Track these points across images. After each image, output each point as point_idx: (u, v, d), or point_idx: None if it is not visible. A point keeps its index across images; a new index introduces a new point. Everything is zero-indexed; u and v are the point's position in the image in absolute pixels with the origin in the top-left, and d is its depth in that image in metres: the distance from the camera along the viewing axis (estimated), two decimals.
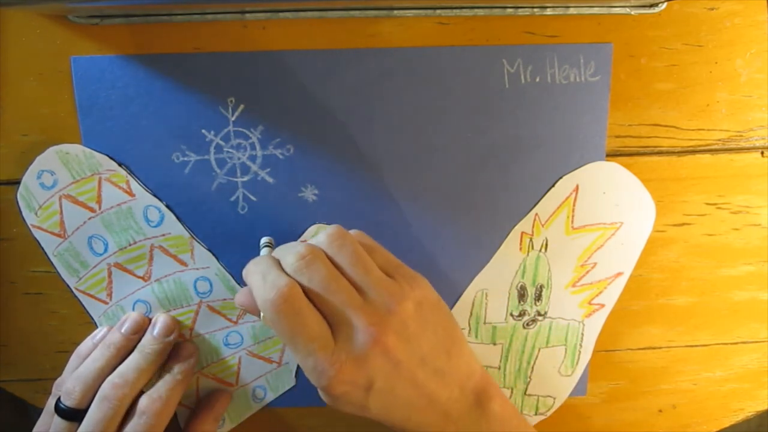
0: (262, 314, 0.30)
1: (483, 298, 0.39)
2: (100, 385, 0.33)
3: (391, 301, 0.29)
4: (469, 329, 0.40)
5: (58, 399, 0.33)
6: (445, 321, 0.32)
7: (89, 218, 0.37)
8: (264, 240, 0.37)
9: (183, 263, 0.38)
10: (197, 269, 0.38)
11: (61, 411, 0.33)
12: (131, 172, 0.36)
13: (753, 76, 0.37)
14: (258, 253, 0.37)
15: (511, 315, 0.40)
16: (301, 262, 0.30)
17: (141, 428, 0.33)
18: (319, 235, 0.31)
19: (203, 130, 0.36)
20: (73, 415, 0.33)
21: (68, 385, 0.33)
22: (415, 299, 0.31)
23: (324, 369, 0.28)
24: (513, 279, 0.39)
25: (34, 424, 0.35)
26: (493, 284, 0.39)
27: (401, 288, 0.30)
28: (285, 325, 0.29)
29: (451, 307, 0.39)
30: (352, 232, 0.32)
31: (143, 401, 0.33)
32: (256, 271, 0.30)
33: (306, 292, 0.29)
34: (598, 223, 0.39)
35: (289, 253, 0.30)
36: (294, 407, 0.41)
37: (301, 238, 0.38)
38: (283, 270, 0.30)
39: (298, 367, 0.40)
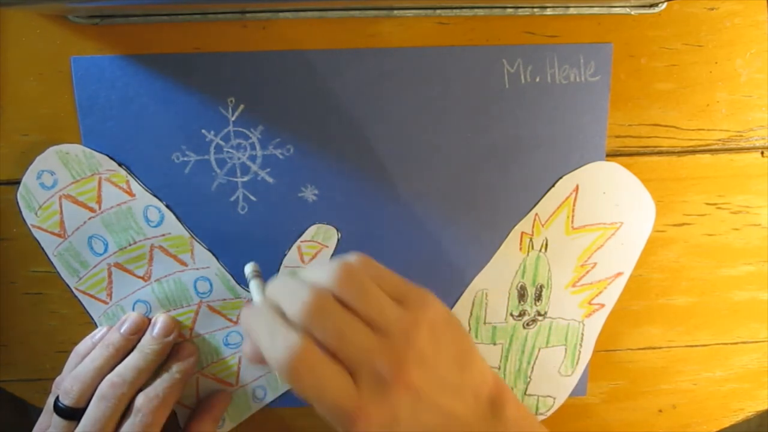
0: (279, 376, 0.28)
1: (483, 298, 0.39)
2: (98, 385, 0.33)
3: (407, 333, 0.29)
4: (469, 329, 0.40)
5: (57, 398, 0.33)
6: (457, 335, 0.31)
7: (89, 218, 0.37)
8: (249, 270, 0.35)
9: (183, 263, 0.38)
10: (197, 269, 0.38)
11: (59, 410, 0.33)
12: (131, 172, 0.36)
13: (753, 76, 0.37)
14: (259, 253, 0.37)
15: (511, 315, 0.40)
16: (308, 313, 0.27)
17: (138, 426, 0.33)
18: (323, 271, 0.29)
19: (203, 130, 0.36)
20: (72, 413, 0.33)
21: (66, 384, 0.33)
22: (428, 323, 0.30)
23: (351, 417, 0.27)
24: (513, 279, 0.39)
25: (34, 424, 0.35)
26: (493, 284, 0.39)
27: (414, 316, 0.29)
28: (305, 386, 0.27)
29: (451, 307, 0.39)
30: (354, 257, 0.30)
31: (140, 399, 0.33)
32: (259, 327, 0.28)
33: (319, 342, 0.27)
34: (598, 223, 0.39)
35: (293, 302, 0.28)
36: (294, 407, 0.41)
37: (301, 239, 0.38)
38: (288, 322, 0.28)
39: None
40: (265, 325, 0.28)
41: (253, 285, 0.34)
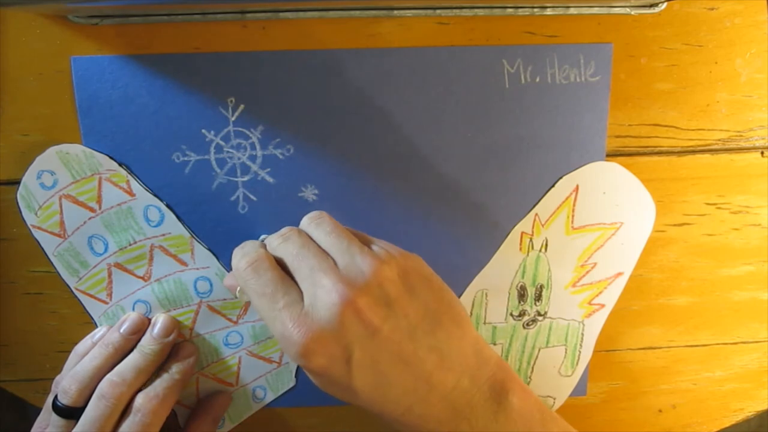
0: (237, 294, 0.32)
1: (483, 298, 0.39)
2: (96, 384, 0.33)
3: (365, 264, 0.27)
4: None
5: (55, 397, 0.33)
6: (441, 296, 0.29)
7: (89, 218, 0.37)
8: (263, 237, 0.37)
9: (183, 263, 0.38)
10: (197, 269, 0.38)
11: (57, 409, 0.33)
12: (131, 172, 0.36)
13: (753, 76, 0.37)
14: None
15: (511, 315, 0.40)
16: (279, 239, 0.31)
17: (137, 426, 0.33)
18: (302, 219, 0.33)
19: (203, 130, 0.36)
20: (70, 412, 0.33)
21: (64, 383, 0.33)
22: (399, 266, 0.28)
23: (291, 333, 0.26)
24: (513, 279, 0.39)
25: (33, 424, 0.35)
26: (493, 284, 0.39)
27: (381, 256, 0.28)
28: (250, 287, 0.29)
29: None
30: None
31: (139, 399, 0.33)
32: (236, 250, 0.32)
33: (280, 263, 0.30)
34: (598, 223, 0.39)
35: (273, 236, 0.32)
36: (294, 407, 0.41)
37: None
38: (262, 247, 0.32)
39: (299, 367, 0.40)
40: (241, 247, 0.31)
41: None
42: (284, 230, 0.32)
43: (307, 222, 0.32)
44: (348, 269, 0.28)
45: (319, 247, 0.30)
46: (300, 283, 0.28)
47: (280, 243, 0.31)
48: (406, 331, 0.27)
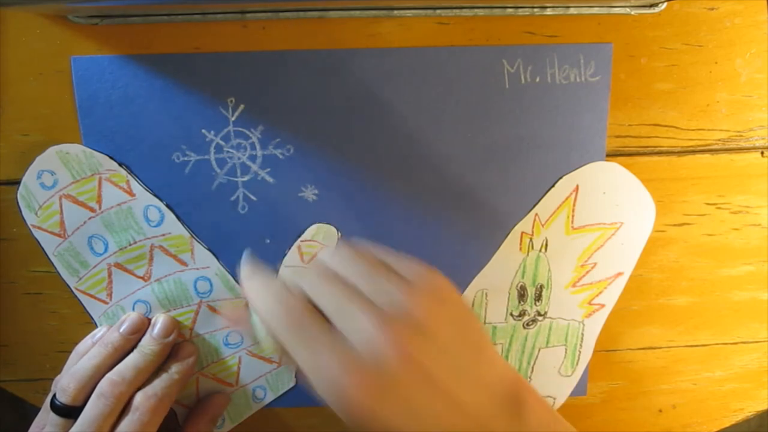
0: (259, 330, 0.29)
1: (483, 298, 0.39)
2: (95, 383, 0.33)
3: (397, 293, 0.27)
4: None
5: (54, 395, 0.33)
6: (467, 317, 0.29)
7: (89, 218, 0.37)
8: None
9: (183, 263, 0.38)
10: (197, 269, 0.38)
11: (56, 407, 0.33)
12: (131, 172, 0.36)
13: (753, 76, 0.37)
14: (259, 253, 0.37)
15: (511, 315, 0.40)
16: (306, 280, 0.28)
17: (135, 424, 0.33)
18: (323, 252, 0.30)
19: (203, 130, 0.36)
20: (68, 411, 0.33)
21: (63, 382, 0.33)
22: (427, 290, 0.28)
23: (335, 375, 0.25)
24: (513, 279, 0.39)
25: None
26: (493, 284, 0.39)
27: (418, 287, 0.28)
28: (289, 336, 0.26)
29: None
30: (357, 241, 0.31)
31: (138, 398, 0.33)
32: (256, 288, 0.28)
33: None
34: (598, 223, 0.39)
35: (294, 275, 0.29)
36: (294, 407, 0.41)
37: (301, 238, 0.38)
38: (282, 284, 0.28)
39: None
40: (264, 286, 0.28)
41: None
42: (310, 269, 0.28)
43: (327, 256, 0.29)
44: (379, 299, 0.27)
45: (343, 277, 0.28)
46: (332, 318, 0.27)
47: (298, 278, 0.28)
48: (435, 355, 0.27)
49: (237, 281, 0.38)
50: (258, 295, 0.28)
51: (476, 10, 0.35)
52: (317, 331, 0.26)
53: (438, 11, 0.35)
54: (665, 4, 0.36)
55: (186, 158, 0.36)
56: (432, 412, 0.27)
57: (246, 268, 0.29)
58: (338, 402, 0.26)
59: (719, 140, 0.38)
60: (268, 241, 0.38)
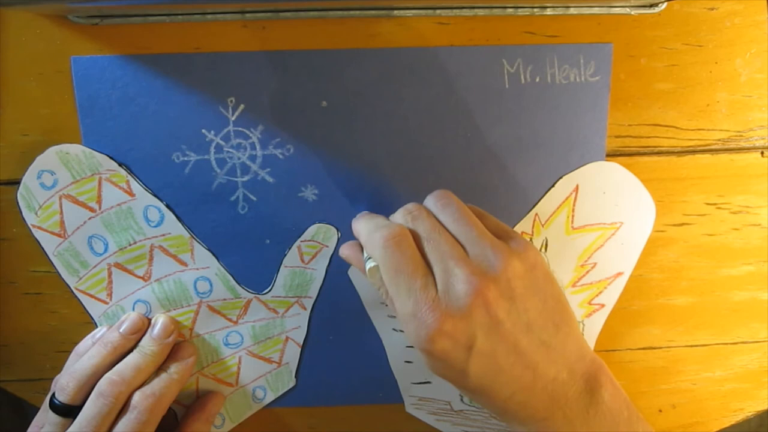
0: (367, 266, 0.31)
1: None
2: (94, 382, 0.33)
3: (496, 258, 0.29)
4: None
5: (53, 394, 0.33)
6: (557, 293, 0.31)
7: (89, 218, 0.37)
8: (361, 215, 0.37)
9: (183, 263, 0.38)
10: (197, 269, 0.38)
11: (54, 406, 0.33)
12: (131, 172, 0.36)
13: (753, 76, 0.37)
14: (259, 253, 0.37)
15: None
16: (407, 216, 0.31)
17: (133, 423, 0.33)
18: (427, 198, 0.32)
19: (203, 130, 0.36)
20: (67, 410, 0.33)
21: (62, 381, 0.33)
22: (526, 261, 0.30)
23: (424, 316, 0.28)
24: None
25: None
26: None
27: (509, 247, 0.30)
28: (390, 260, 0.29)
29: None
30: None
31: (136, 397, 0.34)
32: (367, 221, 0.32)
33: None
34: (598, 223, 0.39)
35: (397, 213, 0.32)
36: (294, 407, 0.41)
37: (301, 238, 0.38)
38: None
39: (298, 367, 0.40)
40: (373, 220, 0.32)
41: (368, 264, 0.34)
42: (410, 207, 0.31)
43: (432, 202, 0.32)
44: (479, 260, 0.29)
45: (449, 232, 0.30)
46: (432, 266, 0.29)
47: (408, 221, 0.31)
48: (524, 326, 0.29)
49: (237, 281, 0.38)
50: (365, 224, 0.32)
51: (476, 10, 0.35)
52: (417, 266, 0.29)
53: (438, 11, 0.35)
54: (665, 4, 0.36)
55: (186, 158, 0.36)
56: (509, 375, 0.28)
57: (362, 214, 0.34)
58: (421, 341, 0.28)
59: (719, 140, 0.38)
60: (268, 241, 0.38)
